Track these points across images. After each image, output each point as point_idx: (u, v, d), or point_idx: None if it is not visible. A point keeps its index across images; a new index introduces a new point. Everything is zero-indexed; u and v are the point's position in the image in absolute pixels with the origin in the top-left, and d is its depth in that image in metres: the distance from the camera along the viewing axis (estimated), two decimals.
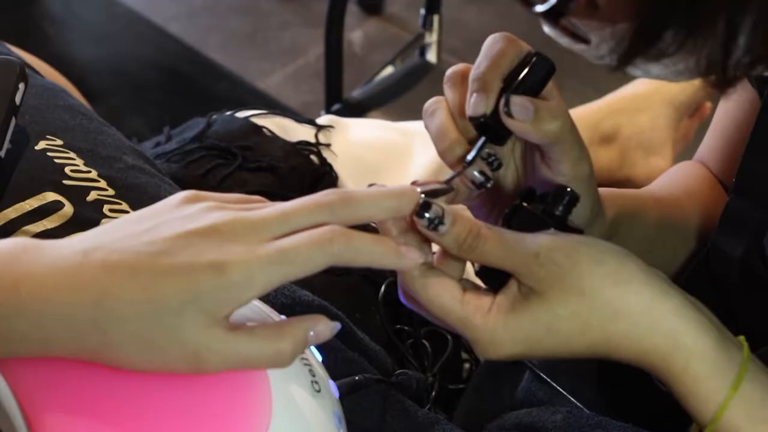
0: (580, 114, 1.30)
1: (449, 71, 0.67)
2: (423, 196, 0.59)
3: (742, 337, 0.62)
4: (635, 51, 0.54)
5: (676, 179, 0.89)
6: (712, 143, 0.89)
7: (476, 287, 0.63)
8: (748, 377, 0.59)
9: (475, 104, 0.64)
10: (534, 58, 0.65)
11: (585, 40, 0.57)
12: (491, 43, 0.66)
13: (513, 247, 0.60)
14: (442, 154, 0.67)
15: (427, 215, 0.59)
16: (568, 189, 0.64)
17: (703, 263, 0.76)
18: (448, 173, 0.66)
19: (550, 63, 0.64)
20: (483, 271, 0.63)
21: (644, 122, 1.26)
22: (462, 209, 0.64)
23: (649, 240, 0.79)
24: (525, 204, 0.63)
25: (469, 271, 0.64)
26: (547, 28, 0.58)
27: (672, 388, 0.60)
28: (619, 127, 1.27)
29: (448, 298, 0.60)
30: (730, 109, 0.84)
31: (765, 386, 0.59)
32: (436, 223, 0.59)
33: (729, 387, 0.58)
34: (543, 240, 0.60)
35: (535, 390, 0.84)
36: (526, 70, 0.64)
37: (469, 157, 0.65)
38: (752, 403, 0.59)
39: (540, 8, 0.54)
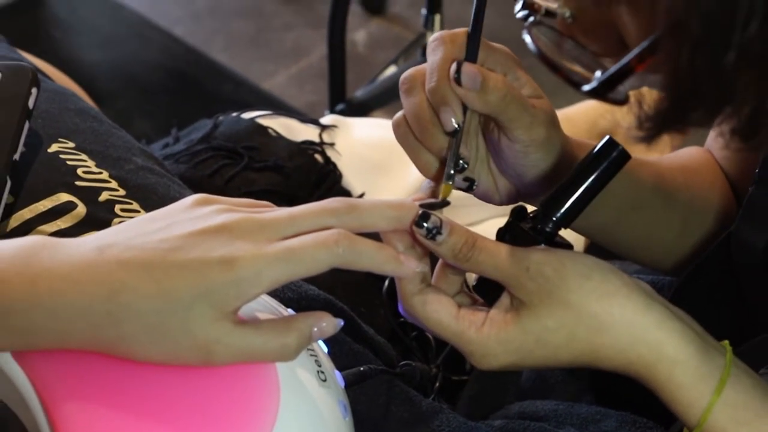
0: (578, 111, 1.32)
1: (403, 77, 0.69)
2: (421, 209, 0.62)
3: (725, 342, 0.64)
4: (663, 127, 0.55)
5: (674, 155, 0.91)
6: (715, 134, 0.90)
7: (471, 303, 0.66)
8: (731, 381, 0.61)
9: (447, 120, 0.67)
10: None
11: (622, 103, 0.59)
12: (433, 49, 0.68)
13: (505, 259, 0.62)
14: (421, 139, 0.69)
15: (425, 225, 0.62)
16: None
17: (720, 250, 0.77)
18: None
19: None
20: (479, 286, 0.66)
21: None
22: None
23: (636, 198, 0.80)
24: (517, 222, 0.65)
25: None
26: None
27: (658, 395, 0.62)
28: (617, 122, 1.29)
29: (444, 314, 0.63)
30: None
31: (748, 389, 0.61)
32: (434, 233, 0.62)
33: (712, 392, 0.60)
34: (534, 254, 0.62)
35: (537, 379, 0.86)
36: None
37: (451, 171, 0.68)
38: (735, 406, 0.60)
39: (586, 88, 0.57)
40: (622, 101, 0.57)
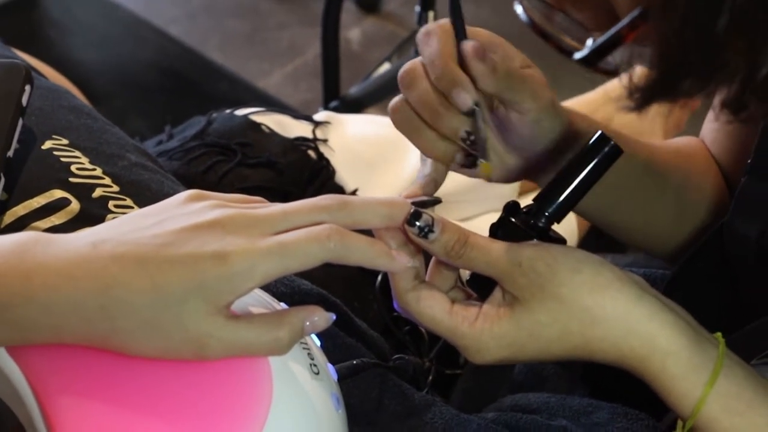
0: (574, 106, 1.33)
1: (401, 73, 0.69)
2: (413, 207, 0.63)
3: (718, 334, 0.64)
4: (652, 97, 0.56)
5: (671, 141, 0.92)
6: (710, 125, 0.91)
7: (465, 298, 0.67)
8: (724, 372, 0.61)
9: (463, 100, 0.66)
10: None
11: (613, 73, 0.59)
12: (425, 41, 0.68)
13: (498, 255, 0.63)
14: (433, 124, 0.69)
15: (417, 223, 0.62)
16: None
17: (714, 240, 0.78)
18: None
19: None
20: (472, 281, 0.66)
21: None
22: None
23: (629, 178, 0.81)
24: (509, 217, 0.65)
25: None
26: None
27: (651, 386, 0.63)
28: (610, 116, 1.29)
29: (437, 310, 0.64)
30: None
31: (740, 380, 0.62)
32: (426, 231, 0.63)
33: (705, 383, 0.61)
34: (526, 250, 0.62)
35: (530, 372, 0.87)
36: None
37: (485, 147, 0.68)
38: (728, 397, 0.61)
39: (578, 56, 0.57)
40: (613, 71, 0.58)
